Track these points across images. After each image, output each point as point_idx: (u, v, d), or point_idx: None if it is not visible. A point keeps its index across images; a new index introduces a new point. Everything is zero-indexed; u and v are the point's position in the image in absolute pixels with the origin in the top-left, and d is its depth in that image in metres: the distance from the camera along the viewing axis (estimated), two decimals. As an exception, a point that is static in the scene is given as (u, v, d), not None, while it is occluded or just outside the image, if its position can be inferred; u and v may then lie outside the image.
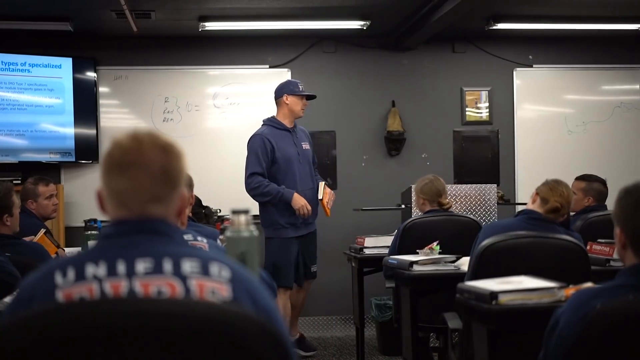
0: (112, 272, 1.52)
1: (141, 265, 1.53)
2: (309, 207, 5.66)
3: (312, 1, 6.14)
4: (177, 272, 1.53)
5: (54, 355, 1.30)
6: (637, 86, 7.69)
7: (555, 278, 2.84)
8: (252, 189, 5.74)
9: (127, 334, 1.30)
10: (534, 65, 7.61)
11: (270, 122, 5.87)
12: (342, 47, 7.43)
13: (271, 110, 7.29)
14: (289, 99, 5.83)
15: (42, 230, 4.46)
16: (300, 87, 5.89)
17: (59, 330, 1.31)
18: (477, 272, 3.30)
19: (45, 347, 1.30)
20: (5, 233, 3.85)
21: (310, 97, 5.92)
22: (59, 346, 1.30)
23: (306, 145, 5.89)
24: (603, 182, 5.21)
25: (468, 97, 7.56)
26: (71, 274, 1.53)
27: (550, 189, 3.71)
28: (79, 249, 4.90)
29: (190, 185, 3.39)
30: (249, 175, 5.73)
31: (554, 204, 3.65)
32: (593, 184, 5.19)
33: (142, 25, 6.62)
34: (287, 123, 5.82)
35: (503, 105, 7.56)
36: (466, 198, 6.12)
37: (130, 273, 1.52)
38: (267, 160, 5.69)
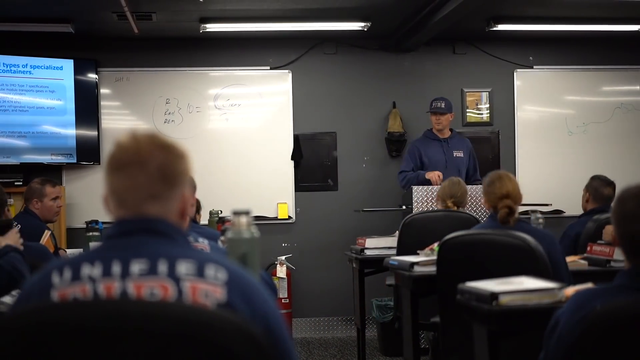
0: (106, 272, 1.54)
1: (136, 267, 1.54)
2: (440, 174, 6.28)
3: (312, 2, 6.15)
4: (172, 273, 1.54)
5: (37, 354, 1.31)
6: (638, 87, 7.69)
7: (502, 275, 2.91)
8: (400, 182, 6.59)
9: (103, 335, 1.31)
10: (535, 67, 7.61)
11: (424, 133, 6.80)
12: (342, 48, 7.44)
13: (272, 112, 7.34)
14: (431, 115, 6.72)
15: (48, 232, 4.46)
16: (434, 103, 6.70)
17: (41, 328, 1.32)
18: (439, 266, 3.60)
19: (30, 344, 1.31)
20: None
21: (437, 112, 6.64)
22: (41, 344, 1.31)
23: (458, 154, 6.65)
24: (606, 182, 5.19)
25: (469, 98, 7.56)
26: (67, 274, 1.55)
27: (493, 194, 3.78)
28: (81, 250, 4.91)
29: (192, 186, 3.40)
30: (398, 174, 6.63)
31: (503, 211, 3.73)
32: (592, 182, 5.21)
33: (143, 26, 6.63)
34: (438, 134, 6.68)
35: (503, 106, 7.57)
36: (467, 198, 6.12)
37: (125, 274, 1.53)
38: (415, 161, 6.59)
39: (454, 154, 6.65)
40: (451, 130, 6.80)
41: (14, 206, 6.32)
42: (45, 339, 1.31)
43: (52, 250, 4.39)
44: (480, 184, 6.58)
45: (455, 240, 3.53)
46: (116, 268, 1.54)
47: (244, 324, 1.37)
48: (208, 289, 1.53)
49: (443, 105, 6.66)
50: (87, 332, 1.31)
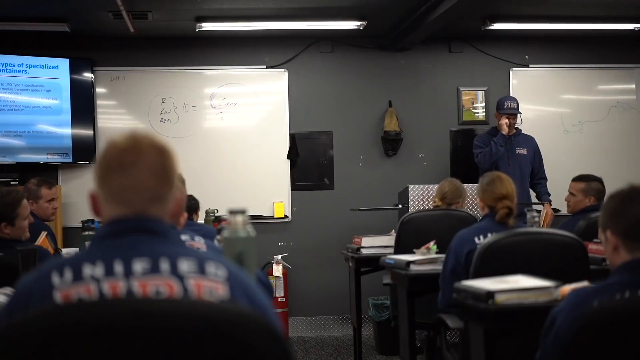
0: (109, 272, 1.53)
1: (138, 265, 1.54)
2: (506, 121, 6.77)
3: (308, 1, 6.15)
4: (175, 271, 1.54)
5: (55, 357, 1.30)
6: (633, 86, 7.70)
7: (557, 274, 2.86)
8: (478, 162, 6.82)
9: (128, 334, 1.31)
10: (530, 65, 7.61)
11: (489, 131, 7.04)
12: (338, 47, 7.43)
13: (268, 110, 7.33)
14: (497, 115, 6.92)
15: (44, 233, 4.44)
16: (507, 104, 6.88)
17: (60, 331, 1.31)
18: (480, 270, 3.30)
19: (47, 348, 1.30)
20: (5, 237, 3.84)
21: (512, 113, 6.82)
22: (60, 347, 1.30)
23: (521, 151, 6.85)
24: (601, 181, 5.22)
25: (464, 97, 7.56)
26: (68, 274, 1.53)
27: (491, 194, 3.75)
28: (77, 249, 4.90)
29: (181, 180, 3.38)
30: (477, 156, 6.83)
31: (502, 212, 3.70)
32: (592, 184, 5.19)
33: (139, 26, 6.62)
34: (502, 131, 6.82)
35: (500, 105, 7.56)
36: (463, 198, 6.13)
37: (128, 273, 1.53)
38: (485, 141, 6.82)
39: (517, 150, 6.84)
40: (516, 128, 6.94)
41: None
42: (65, 340, 1.30)
43: (51, 251, 4.37)
44: (545, 182, 6.82)
45: (496, 245, 3.37)
46: (119, 267, 1.53)
47: (264, 318, 1.39)
48: (211, 285, 1.54)
49: (516, 105, 6.87)
50: (112, 331, 1.30)
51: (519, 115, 6.87)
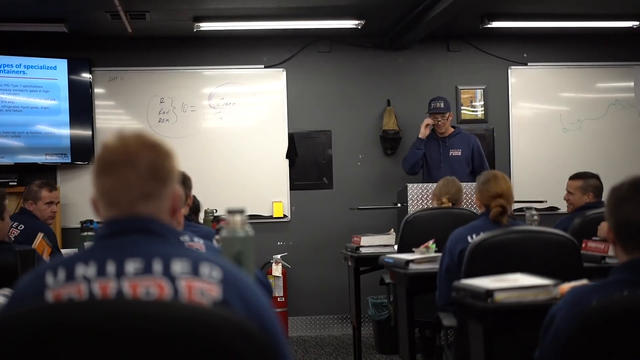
0: (101, 272, 1.53)
1: (131, 266, 1.54)
2: (427, 122, 6.72)
3: (306, 1, 6.14)
4: (167, 272, 1.53)
5: (36, 354, 1.30)
6: (632, 83, 7.70)
7: (548, 272, 2.86)
8: (403, 167, 6.89)
9: (102, 335, 1.31)
10: (529, 63, 7.61)
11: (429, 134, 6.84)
12: (337, 46, 7.43)
13: (267, 110, 7.33)
14: (430, 116, 6.77)
15: (40, 235, 4.44)
16: (432, 104, 6.76)
17: (39, 329, 1.32)
18: (471, 268, 3.31)
19: (27, 345, 1.31)
20: None
21: (436, 112, 6.70)
22: (40, 345, 1.31)
23: (455, 152, 6.70)
24: (597, 177, 5.23)
25: (463, 96, 7.56)
26: (61, 274, 1.54)
27: (486, 193, 3.77)
28: (76, 250, 4.89)
29: (184, 183, 3.38)
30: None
31: (496, 210, 3.72)
32: (589, 181, 5.20)
33: (137, 26, 6.62)
34: (437, 133, 6.77)
35: (498, 104, 7.57)
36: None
37: (120, 273, 1.53)
38: (419, 153, 6.76)
39: (450, 152, 6.68)
40: (455, 127, 6.84)
41: (8, 207, 6.29)
42: (42, 339, 1.31)
43: (48, 252, 4.37)
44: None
45: (487, 243, 3.39)
46: (111, 267, 1.53)
47: (242, 321, 1.37)
48: (203, 287, 1.53)
49: (442, 105, 6.72)
50: (84, 332, 1.31)
51: (448, 115, 6.73)
